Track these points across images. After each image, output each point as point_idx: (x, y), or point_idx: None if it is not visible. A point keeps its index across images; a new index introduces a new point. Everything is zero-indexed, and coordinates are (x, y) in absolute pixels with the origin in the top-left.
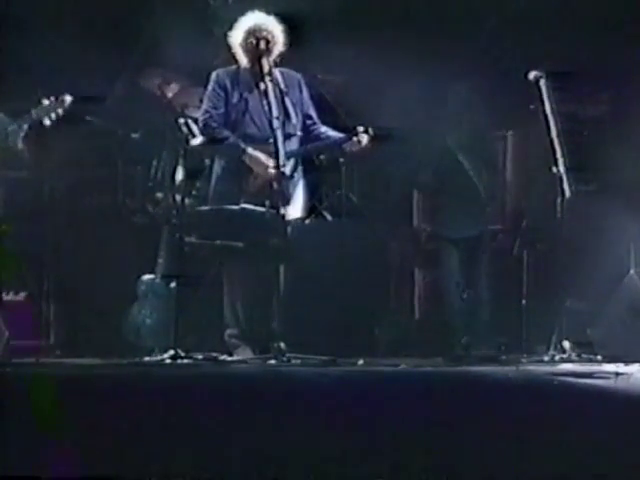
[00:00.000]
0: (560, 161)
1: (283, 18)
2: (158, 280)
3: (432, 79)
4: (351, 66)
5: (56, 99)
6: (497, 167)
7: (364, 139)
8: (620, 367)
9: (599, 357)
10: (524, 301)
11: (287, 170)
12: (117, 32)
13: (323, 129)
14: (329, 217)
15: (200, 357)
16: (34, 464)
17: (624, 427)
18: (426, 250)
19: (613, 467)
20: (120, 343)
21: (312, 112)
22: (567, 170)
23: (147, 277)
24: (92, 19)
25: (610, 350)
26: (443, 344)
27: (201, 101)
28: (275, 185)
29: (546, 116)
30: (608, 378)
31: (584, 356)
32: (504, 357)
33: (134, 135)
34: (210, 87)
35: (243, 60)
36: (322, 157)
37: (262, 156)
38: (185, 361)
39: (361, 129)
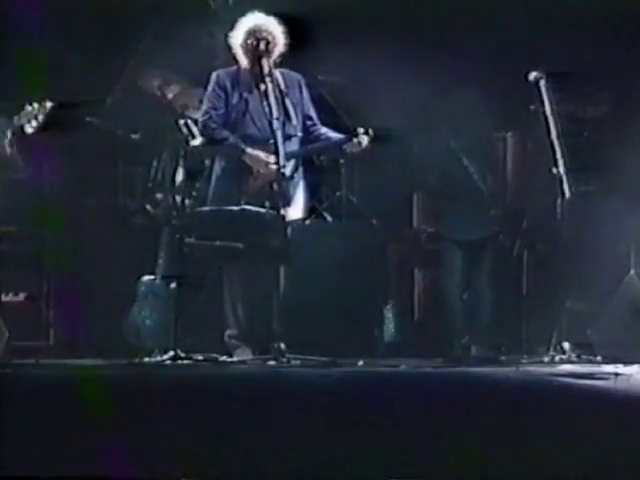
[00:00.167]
0: (560, 162)
1: (283, 19)
2: (158, 281)
3: (432, 79)
4: (351, 67)
5: (39, 104)
6: (498, 168)
7: (364, 140)
8: (620, 368)
9: (599, 358)
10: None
11: (287, 171)
12: (117, 32)
13: (323, 130)
14: (329, 218)
15: (200, 358)
16: (34, 464)
17: (624, 427)
18: (427, 251)
19: (613, 467)
20: (120, 344)
21: (312, 113)
22: (567, 171)
23: (147, 278)
24: (92, 19)
25: (610, 351)
26: (443, 345)
27: (201, 102)
28: (275, 186)
29: (546, 117)
30: (608, 379)
31: (584, 357)
32: (504, 358)
33: (134, 136)
34: (210, 88)
35: (243, 61)
36: (322, 158)
37: (262, 154)
38: (185, 362)
39: (361, 130)
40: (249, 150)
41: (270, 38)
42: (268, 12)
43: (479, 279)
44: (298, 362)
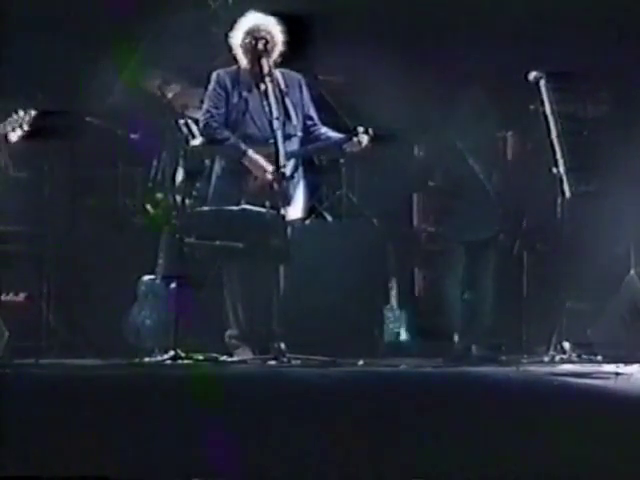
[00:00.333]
0: (560, 161)
1: (283, 18)
2: (158, 281)
3: (432, 79)
4: (351, 67)
5: (24, 112)
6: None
7: (364, 139)
8: (620, 367)
9: (599, 357)
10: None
11: (287, 171)
12: (117, 32)
13: (323, 130)
14: (329, 218)
15: (200, 358)
16: (34, 464)
17: (624, 427)
18: (427, 251)
19: (613, 467)
20: (120, 344)
21: (312, 113)
22: (567, 170)
23: (147, 278)
24: (92, 19)
25: (610, 350)
26: (443, 344)
27: (201, 102)
28: (275, 186)
29: (546, 117)
30: (608, 378)
31: (584, 356)
32: (504, 357)
33: (134, 136)
34: (210, 87)
35: (243, 61)
36: (322, 158)
37: (261, 159)
38: (185, 362)
39: (361, 130)
40: (249, 153)
41: (269, 37)
42: (267, 12)
43: (479, 279)
44: (298, 362)
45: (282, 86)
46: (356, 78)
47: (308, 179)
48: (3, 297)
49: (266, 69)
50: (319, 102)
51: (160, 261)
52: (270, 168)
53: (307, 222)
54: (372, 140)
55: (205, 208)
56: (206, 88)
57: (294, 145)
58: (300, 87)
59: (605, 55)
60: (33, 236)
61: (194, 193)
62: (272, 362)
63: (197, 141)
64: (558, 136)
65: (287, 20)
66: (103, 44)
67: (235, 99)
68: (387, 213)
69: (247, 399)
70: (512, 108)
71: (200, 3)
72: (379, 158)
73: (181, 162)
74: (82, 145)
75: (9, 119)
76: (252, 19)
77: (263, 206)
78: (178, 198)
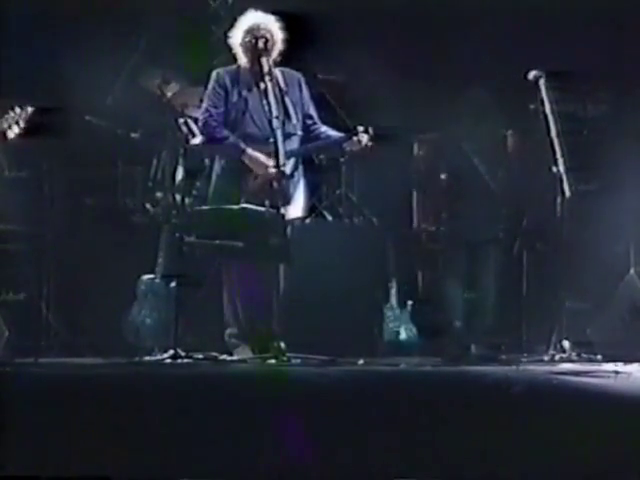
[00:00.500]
0: (560, 161)
1: (283, 17)
2: (158, 280)
3: (431, 78)
4: (352, 65)
5: (21, 109)
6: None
7: (364, 138)
8: (620, 366)
9: (599, 356)
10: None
11: (287, 170)
12: (116, 32)
13: (323, 129)
14: (329, 217)
15: (200, 357)
16: (34, 464)
17: (624, 426)
18: (427, 250)
19: (613, 466)
20: (120, 343)
21: (312, 112)
22: (567, 170)
23: (147, 277)
24: (92, 18)
25: (610, 349)
26: (443, 343)
27: (201, 101)
28: (275, 185)
29: (546, 116)
30: (608, 377)
31: (584, 355)
32: (504, 357)
33: (134, 135)
34: (210, 86)
35: (243, 59)
36: (322, 157)
37: (261, 156)
38: (185, 361)
39: (361, 128)
40: (249, 151)
41: (269, 36)
42: (267, 10)
43: (479, 278)
44: (298, 361)
45: (282, 85)
46: (356, 77)
47: (308, 178)
48: (3, 296)
49: (266, 68)
50: (319, 101)
51: (160, 260)
52: (271, 163)
53: (307, 221)
54: (372, 139)
55: (205, 207)
56: (206, 87)
57: (294, 144)
58: (300, 86)
59: (605, 54)
60: (32, 235)
61: (194, 192)
62: (272, 361)
63: (197, 140)
64: (558, 135)
65: (287, 19)
66: (103, 43)
67: (235, 98)
68: (387, 212)
69: (247, 398)
70: (512, 107)
71: (200, 2)
72: (379, 157)
73: (181, 161)
74: (81, 144)
75: (5, 116)
76: (252, 18)
77: (263, 205)
78: (178, 197)
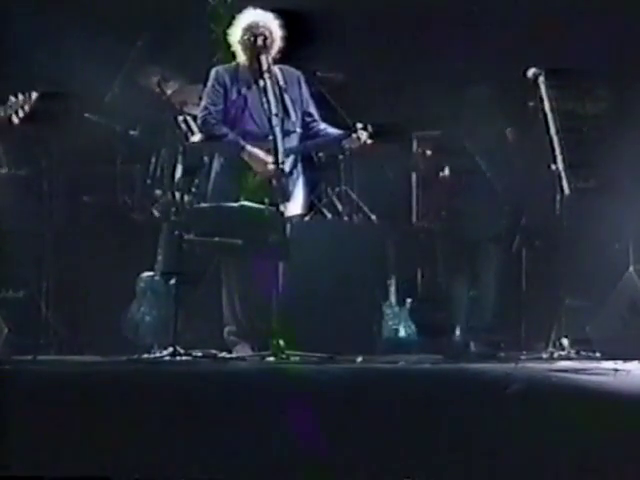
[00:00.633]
0: (559, 158)
1: (282, 15)
2: (157, 277)
3: (431, 76)
4: (351, 63)
5: (23, 95)
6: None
7: (363, 136)
8: (619, 364)
9: (598, 354)
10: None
11: (286, 167)
12: (116, 30)
13: (322, 126)
14: (328, 214)
15: (199, 354)
16: (33, 462)
17: (623, 423)
18: (426, 248)
19: (612, 464)
20: (119, 340)
21: (312, 109)
22: (566, 167)
23: (146, 274)
24: (92, 17)
25: (609, 347)
26: (442, 341)
27: (200, 98)
28: (274, 182)
29: (545, 113)
30: (607, 375)
31: (583, 353)
32: (503, 354)
33: (133, 132)
34: (209, 84)
35: (242, 57)
36: (321, 154)
37: (260, 153)
38: (184, 358)
39: (360, 126)
40: (248, 148)
41: (267, 34)
42: (266, 8)
43: (478, 276)
44: (297, 358)
45: (281, 82)
46: (355, 74)
47: (307, 176)
48: (2, 294)
49: (265, 65)
50: (318, 98)
51: (159, 258)
52: (270, 160)
53: (306, 219)
54: (371, 136)
55: (204, 205)
56: (205, 85)
57: (293, 141)
58: (299, 83)
59: (604, 52)
60: (31, 233)
61: (193, 190)
62: (271, 359)
63: (196, 138)
64: (557, 133)
65: (286, 16)
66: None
67: (234, 96)
68: (386, 210)
69: (246, 396)
70: (511, 105)
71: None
72: (378, 154)
73: (180, 159)
74: (80, 142)
75: (9, 102)
76: (251, 15)
77: (262, 203)
78: (177, 195)
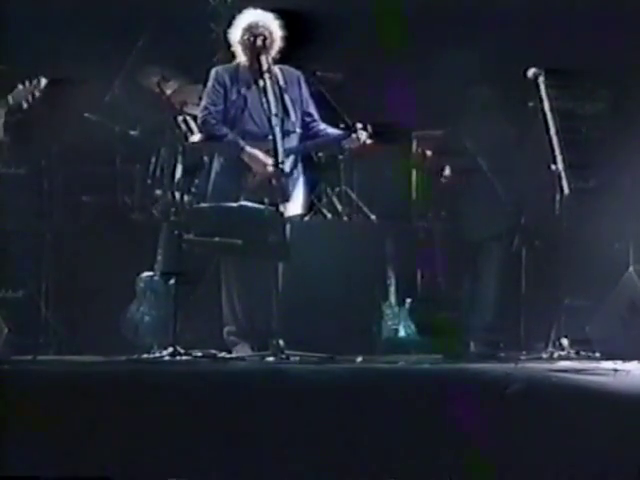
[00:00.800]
0: (559, 158)
1: (282, 15)
2: (157, 277)
3: (430, 76)
4: (351, 63)
5: (30, 82)
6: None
7: (363, 136)
8: (618, 364)
9: (597, 354)
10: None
11: (286, 167)
12: (116, 29)
13: (322, 126)
14: (328, 214)
15: (199, 354)
16: (32, 462)
17: (622, 423)
18: (426, 248)
19: (611, 464)
20: (119, 340)
21: (312, 109)
22: (566, 167)
23: (146, 274)
24: (91, 16)
25: (608, 347)
26: (442, 341)
27: (200, 98)
28: (274, 182)
29: (544, 113)
30: (606, 375)
31: (582, 353)
32: (503, 354)
33: (133, 132)
34: (209, 84)
35: (242, 57)
36: (321, 154)
37: (260, 154)
38: (184, 358)
39: (360, 126)
40: (248, 148)
41: (267, 34)
42: (266, 8)
43: (478, 276)
44: (297, 358)
45: (281, 83)
46: (355, 74)
47: (307, 176)
48: (1, 294)
49: (265, 66)
50: (318, 98)
51: (159, 258)
52: (270, 161)
53: (306, 219)
54: (371, 136)
55: (204, 205)
56: (205, 85)
57: (293, 142)
58: (299, 84)
59: (604, 52)
60: (31, 233)
61: (193, 190)
62: (270, 359)
63: (196, 138)
64: (557, 133)
65: (286, 16)
66: (102, 40)
67: (234, 96)
68: (386, 210)
69: (245, 396)
70: (511, 105)
71: (199, 0)
72: (378, 155)
73: (180, 159)
74: (80, 142)
75: (16, 90)
76: (250, 16)
77: (262, 203)
78: (177, 195)
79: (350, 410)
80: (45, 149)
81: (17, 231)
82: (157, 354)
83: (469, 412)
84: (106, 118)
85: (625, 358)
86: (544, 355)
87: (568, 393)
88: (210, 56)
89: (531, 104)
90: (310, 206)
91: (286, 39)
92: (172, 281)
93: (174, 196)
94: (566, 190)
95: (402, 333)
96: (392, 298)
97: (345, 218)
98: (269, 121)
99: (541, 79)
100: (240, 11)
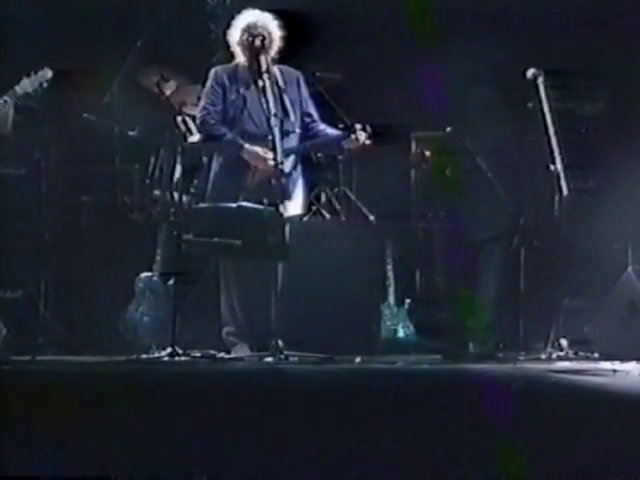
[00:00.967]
0: (557, 159)
1: (281, 15)
2: (156, 278)
3: (430, 75)
4: (350, 63)
5: (36, 73)
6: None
7: (362, 136)
8: (617, 365)
9: (596, 355)
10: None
11: (286, 167)
12: (116, 29)
13: (322, 127)
14: (327, 215)
15: (198, 354)
16: (33, 464)
17: (621, 424)
18: (425, 248)
19: (611, 463)
20: (118, 340)
21: (311, 109)
22: (564, 168)
23: (145, 275)
24: (91, 16)
25: (607, 348)
26: (441, 341)
27: (199, 99)
28: (273, 182)
29: (544, 114)
30: (605, 375)
31: (581, 354)
32: (502, 355)
33: (132, 132)
34: (208, 84)
35: (241, 57)
36: (320, 154)
37: (260, 150)
38: (183, 358)
39: (359, 126)
40: (247, 146)
41: (266, 34)
42: (265, 8)
43: (477, 276)
44: (296, 359)
45: (280, 83)
46: (354, 75)
47: (306, 176)
48: (0, 294)
49: (264, 66)
50: (317, 99)
51: (158, 258)
52: (270, 156)
53: (305, 219)
54: (370, 137)
55: (203, 205)
56: (204, 85)
57: (292, 142)
58: (298, 84)
59: (603, 53)
60: (30, 233)
61: (192, 190)
62: (269, 359)
63: (195, 138)
64: (555, 133)
65: (285, 17)
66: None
67: (233, 96)
68: (385, 210)
69: (244, 396)
70: (510, 105)
71: (198, 0)
72: (377, 155)
73: (179, 159)
74: (79, 142)
75: (22, 81)
76: (249, 16)
77: (261, 203)
78: (176, 195)
79: (349, 410)
80: (45, 149)
81: (16, 231)
82: (156, 354)
83: (468, 412)
84: (105, 118)
85: (624, 359)
86: (543, 355)
87: (567, 393)
88: (209, 56)
89: (530, 104)
90: (309, 206)
91: (285, 39)
92: (171, 281)
93: (173, 196)
94: (565, 190)
95: (401, 333)
96: (391, 298)
97: (344, 218)
98: (268, 121)
99: (540, 79)
100: (239, 11)
